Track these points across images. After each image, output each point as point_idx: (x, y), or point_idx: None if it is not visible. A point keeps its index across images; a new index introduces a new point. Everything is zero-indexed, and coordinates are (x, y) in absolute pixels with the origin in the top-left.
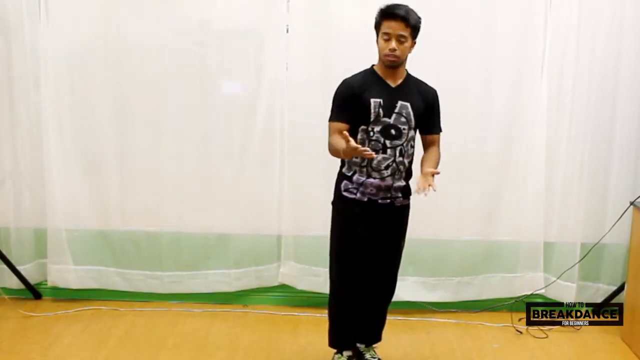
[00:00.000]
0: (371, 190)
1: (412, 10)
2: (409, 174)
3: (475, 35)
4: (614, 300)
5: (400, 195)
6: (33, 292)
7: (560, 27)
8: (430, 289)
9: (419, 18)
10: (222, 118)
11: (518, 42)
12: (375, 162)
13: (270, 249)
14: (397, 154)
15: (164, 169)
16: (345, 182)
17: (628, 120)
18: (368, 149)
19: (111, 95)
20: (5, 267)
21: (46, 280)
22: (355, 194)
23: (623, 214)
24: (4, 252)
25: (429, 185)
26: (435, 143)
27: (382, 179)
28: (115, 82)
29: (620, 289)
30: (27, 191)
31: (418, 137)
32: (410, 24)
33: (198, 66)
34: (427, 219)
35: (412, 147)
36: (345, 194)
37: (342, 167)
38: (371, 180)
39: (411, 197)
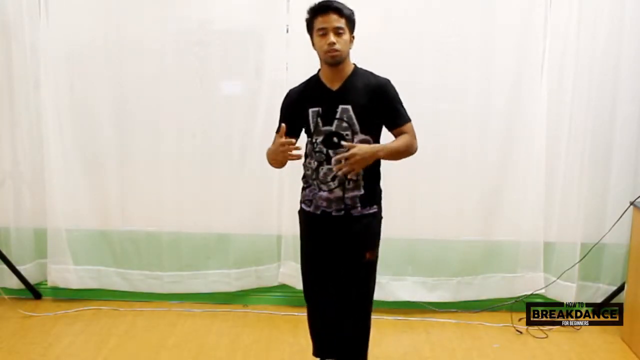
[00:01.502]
0: (321, 203)
1: (342, 3)
2: (371, 180)
3: (475, 35)
4: (614, 300)
5: (358, 204)
6: (33, 292)
7: (560, 27)
8: (430, 289)
9: (352, 10)
10: (222, 118)
11: (518, 42)
12: (321, 174)
13: (270, 249)
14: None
15: (164, 169)
16: (303, 192)
17: (628, 120)
18: (296, 148)
19: (111, 95)
20: (5, 267)
21: (46, 280)
22: (310, 206)
23: (623, 214)
24: (4, 252)
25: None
26: (406, 133)
27: (330, 191)
28: (115, 82)
29: (620, 289)
30: (27, 191)
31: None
32: (345, 13)
33: (198, 66)
34: (427, 219)
35: None
36: (302, 205)
37: (302, 179)
38: (321, 192)
39: (381, 203)
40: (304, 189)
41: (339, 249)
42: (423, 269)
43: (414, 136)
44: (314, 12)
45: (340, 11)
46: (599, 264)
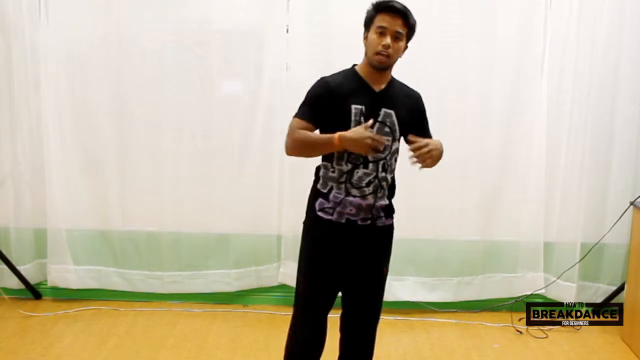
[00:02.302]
0: (350, 210)
1: (410, 11)
2: (392, 192)
3: (476, 36)
4: (614, 300)
5: (382, 214)
6: (33, 292)
7: (560, 27)
8: (430, 289)
9: (416, 21)
10: (222, 118)
11: (518, 42)
12: (355, 177)
13: (270, 249)
14: (380, 168)
15: (164, 169)
16: (320, 200)
17: (628, 120)
18: (381, 138)
19: (111, 95)
20: (5, 267)
21: (46, 280)
22: (332, 214)
23: (623, 214)
24: (4, 252)
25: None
26: None
27: (363, 197)
28: (116, 82)
29: (620, 289)
30: (27, 191)
31: (402, 148)
32: (409, 22)
33: (198, 66)
34: (427, 219)
35: (396, 160)
36: (320, 214)
37: (316, 182)
38: (351, 198)
39: (393, 218)
40: (320, 195)
41: (361, 260)
42: (423, 269)
43: None
44: (380, 9)
45: (407, 17)
46: (599, 264)
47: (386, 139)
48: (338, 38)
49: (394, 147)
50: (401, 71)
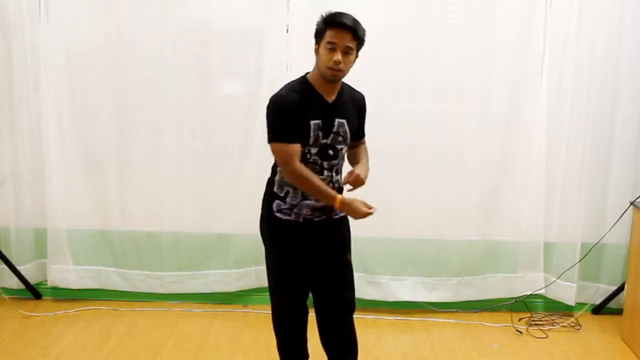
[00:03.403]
0: (307, 212)
1: (359, 22)
2: (340, 187)
3: (476, 36)
4: (614, 301)
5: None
6: (33, 292)
7: (560, 27)
8: (430, 289)
9: (365, 30)
10: (222, 118)
11: (518, 42)
12: None
13: None
14: (334, 173)
15: (164, 169)
16: (277, 202)
17: (628, 120)
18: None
19: (111, 95)
20: (5, 267)
21: (46, 280)
22: (290, 215)
23: (623, 214)
24: (4, 252)
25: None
26: (363, 145)
27: (318, 200)
28: (115, 82)
29: (620, 289)
30: (27, 191)
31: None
32: (358, 35)
33: (198, 66)
34: (427, 219)
35: (344, 160)
36: (278, 215)
37: (272, 186)
38: (307, 201)
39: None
40: (277, 198)
41: (324, 252)
42: (423, 269)
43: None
44: (329, 24)
45: (356, 32)
46: (599, 264)
47: (339, 147)
48: None
49: (344, 152)
50: (402, 72)
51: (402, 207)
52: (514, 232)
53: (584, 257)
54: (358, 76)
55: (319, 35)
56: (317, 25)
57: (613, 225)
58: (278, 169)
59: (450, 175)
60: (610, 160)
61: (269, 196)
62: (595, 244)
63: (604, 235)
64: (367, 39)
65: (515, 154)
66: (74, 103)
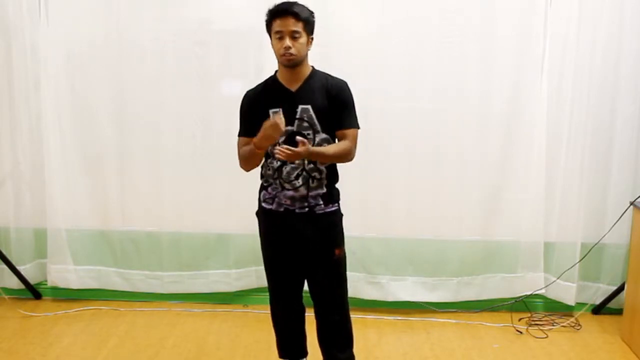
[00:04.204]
0: (286, 201)
1: (302, 5)
2: (331, 180)
3: (476, 36)
4: (614, 301)
5: (321, 202)
6: (33, 292)
7: (560, 27)
8: (430, 289)
9: (311, 12)
10: (222, 118)
11: (518, 42)
12: (284, 173)
13: None
14: (306, 161)
15: (164, 169)
16: (263, 192)
17: (628, 120)
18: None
19: (111, 95)
20: (5, 267)
21: (46, 280)
22: (272, 204)
23: (623, 214)
24: (4, 252)
25: (287, 150)
26: (347, 138)
27: (295, 189)
28: (115, 82)
29: (620, 289)
30: (27, 191)
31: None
32: (301, 17)
33: (198, 66)
34: (427, 219)
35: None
36: (263, 204)
37: (261, 177)
38: (285, 192)
39: (339, 202)
40: (263, 188)
41: (307, 246)
42: (423, 269)
43: (354, 144)
44: (272, 15)
45: (298, 15)
46: (599, 264)
47: (307, 133)
48: (338, 40)
49: (317, 139)
50: (402, 72)
51: (402, 207)
52: (514, 232)
53: (584, 257)
54: (358, 76)
55: (267, 28)
56: (265, 21)
57: (613, 225)
58: (263, 162)
59: (450, 175)
60: (610, 160)
61: (260, 187)
62: (595, 244)
63: (604, 235)
64: (367, 40)
65: (515, 153)
66: (74, 103)
